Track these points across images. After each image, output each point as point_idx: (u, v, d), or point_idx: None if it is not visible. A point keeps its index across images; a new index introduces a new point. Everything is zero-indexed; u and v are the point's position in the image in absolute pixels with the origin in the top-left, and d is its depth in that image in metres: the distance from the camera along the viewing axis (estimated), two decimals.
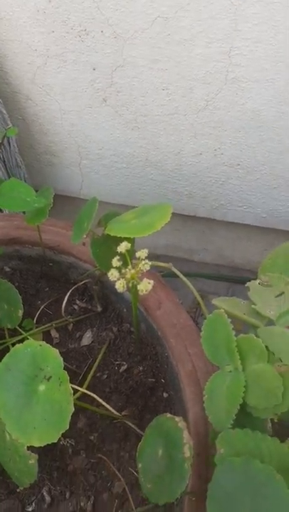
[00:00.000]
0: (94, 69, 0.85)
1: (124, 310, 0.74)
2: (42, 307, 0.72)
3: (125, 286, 0.43)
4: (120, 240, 0.49)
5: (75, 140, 1.01)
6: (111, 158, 1.03)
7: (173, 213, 1.16)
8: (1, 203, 0.51)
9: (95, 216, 0.54)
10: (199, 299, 0.60)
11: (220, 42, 0.75)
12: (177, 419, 0.44)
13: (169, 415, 0.46)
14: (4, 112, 0.92)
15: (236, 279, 1.27)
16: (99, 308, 0.75)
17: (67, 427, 0.48)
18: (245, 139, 0.90)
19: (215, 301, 0.46)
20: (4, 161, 0.96)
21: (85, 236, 0.71)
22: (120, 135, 0.97)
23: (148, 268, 0.44)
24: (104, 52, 0.82)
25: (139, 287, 0.42)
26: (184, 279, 0.59)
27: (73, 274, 0.74)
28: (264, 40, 0.74)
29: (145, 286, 0.42)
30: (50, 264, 0.74)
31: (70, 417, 0.48)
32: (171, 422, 0.44)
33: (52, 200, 0.57)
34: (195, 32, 0.75)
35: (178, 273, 0.59)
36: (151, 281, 0.42)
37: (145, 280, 0.42)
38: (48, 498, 0.59)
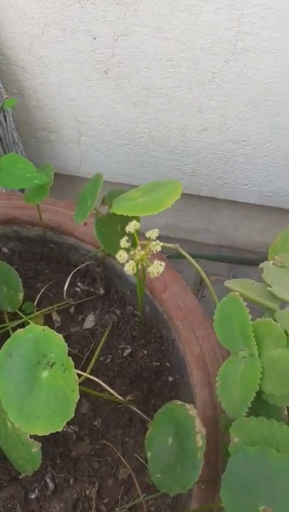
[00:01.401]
0: (94, 38, 0.81)
1: (128, 292, 0.72)
2: (42, 290, 0.70)
3: (135, 268, 0.40)
4: (126, 219, 0.46)
5: (74, 115, 0.97)
6: (111, 134, 0.99)
7: None
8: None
9: (99, 194, 0.50)
10: (207, 281, 0.57)
11: (229, 8, 0.71)
12: (188, 406, 0.42)
13: (179, 402, 0.43)
14: (0, 86, 0.87)
15: (237, 259, 1.24)
16: (101, 291, 0.72)
17: (73, 415, 0.46)
18: (253, 113, 0.86)
19: (228, 284, 0.43)
20: (0, 138, 0.92)
21: (88, 216, 0.69)
22: (121, 110, 0.93)
23: (159, 249, 0.41)
24: (106, 20, 0.77)
25: (149, 269, 0.39)
26: (192, 261, 0.56)
27: (75, 255, 0.71)
28: (276, 7, 0.69)
29: (156, 268, 0.39)
30: (51, 245, 0.71)
31: (75, 405, 0.45)
32: (182, 409, 0.42)
33: (52, 177, 0.54)
34: None
35: (185, 254, 0.57)
36: (163, 263, 0.40)
37: (156, 262, 0.39)
38: (51, 485, 0.58)
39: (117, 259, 0.67)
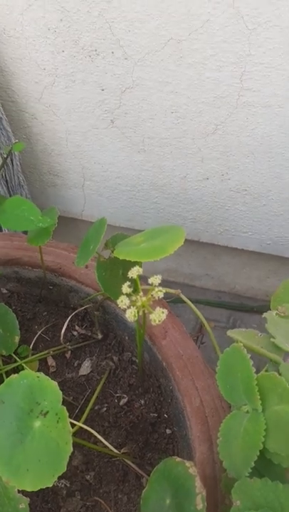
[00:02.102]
0: (102, 90, 0.84)
1: (126, 338, 0.70)
2: (39, 333, 0.68)
3: (137, 315, 0.39)
4: (128, 263, 0.46)
5: (79, 161, 0.99)
6: (115, 180, 1.01)
7: None
8: (3, 221, 0.48)
9: (102, 238, 0.50)
10: (209, 328, 0.56)
11: (232, 66, 0.74)
12: (188, 463, 0.40)
13: (178, 459, 0.41)
14: (9, 130, 0.90)
15: (237, 306, 1.23)
16: (99, 336, 0.71)
17: (65, 469, 0.43)
18: (254, 164, 0.88)
19: (230, 333, 0.42)
20: (6, 180, 0.93)
21: (89, 259, 0.68)
22: (126, 157, 0.96)
23: (161, 296, 0.40)
24: (114, 73, 0.81)
25: (151, 317, 0.38)
26: (194, 307, 0.55)
27: (74, 298, 0.71)
28: (277, 66, 0.73)
29: (158, 316, 0.38)
30: (50, 287, 0.70)
31: (67, 459, 0.43)
32: (181, 466, 0.40)
33: (56, 221, 0.54)
34: (207, 55, 0.74)
35: (187, 301, 0.56)
36: (165, 311, 0.39)
37: (158, 309, 0.38)
38: None
39: (116, 303, 0.67)
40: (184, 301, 0.56)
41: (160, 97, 0.82)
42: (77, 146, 0.96)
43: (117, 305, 0.67)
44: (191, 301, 0.55)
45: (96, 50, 0.78)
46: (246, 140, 0.84)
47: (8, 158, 0.92)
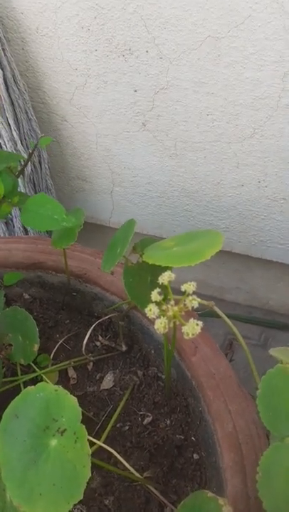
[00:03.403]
0: (135, 91, 0.81)
1: (152, 351, 0.65)
2: (60, 342, 0.64)
3: (166, 326, 0.35)
4: (158, 269, 0.41)
5: (109, 166, 0.97)
6: (145, 186, 0.97)
7: None
8: (25, 220, 0.45)
9: (130, 241, 0.46)
10: (244, 345, 0.51)
11: (274, 65, 0.70)
12: (221, 501, 0.35)
13: (210, 494, 0.36)
14: (38, 131, 0.88)
15: (270, 323, 1.16)
16: (123, 348, 0.66)
17: (81, 497, 0.39)
18: None
19: (273, 352, 0.37)
20: (34, 184, 0.91)
21: (116, 263, 0.64)
22: (157, 162, 0.92)
23: (196, 305, 0.35)
24: (148, 74, 0.78)
25: (184, 329, 0.34)
26: (228, 321, 0.50)
27: (98, 306, 0.67)
28: None
29: (192, 328, 0.33)
30: (74, 293, 0.66)
31: (85, 484, 0.39)
32: (214, 503, 0.35)
33: (82, 222, 0.51)
34: (247, 53, 0.70)
35: (221, 313, 0.51)
36: (200, 323, 0.34)
37: (192, 321, 0.34)
38: None
39: (143, 313, 0.62)
40: (213, 315, 0.51)
41: (195, 99, 0.79)
42: (108, 150, 0.93)
43: (144, 315, 0.62)
44: (220, 316, 0.50)
45: (130, 49, 0.75)
46: (286, 145, 0.79)
47: (37, 161, 0.89)
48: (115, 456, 0.53)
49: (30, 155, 0.50)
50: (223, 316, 0.51)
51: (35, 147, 0.50)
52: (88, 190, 1.04)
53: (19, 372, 0.59)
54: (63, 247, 0.51)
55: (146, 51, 0.75)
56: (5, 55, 0.73)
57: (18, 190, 0.60)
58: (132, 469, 0.54)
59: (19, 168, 0.50)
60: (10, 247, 0.66)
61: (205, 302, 0.49)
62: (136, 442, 0.60)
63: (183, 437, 0.59)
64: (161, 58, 0.75)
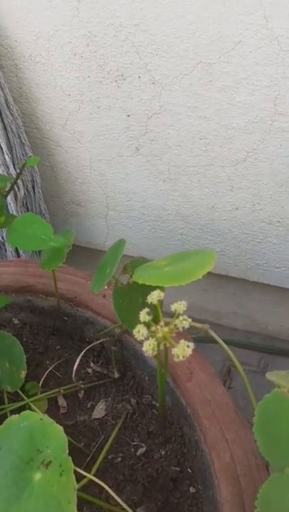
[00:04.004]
0: (128, 116, 0.82)
1: (146, 378, 0.63)
2: (50, 368, 0.62)
3: (156, 348, 0.33)
4: (149, 290, 0.40)
5: (103, 190, 0.96)
6: (139, 210, 0.97)
7: None
8: (12, 240, 0.44)
9: (120, 261, 0.45)
10: (241, 371, 0.49)
11: (265, 89, 0.70)
12: None
13: None
14: (32, 156, 0.88)
15: (269, 348, 1.14)
16: (116, 374, 0.64)
17: None
18: (288, 194, 0.82)
19: (270, 376, 0.35)
20: (27, 208, 0.91)
21: (106, 287, 0.63)
22: (151, 186, 0.92)
23: (187, 326, 0.34)
24: (141, 99, 0.78)
25: (174, 351, 0.32)
26: (224, 345, 0.48)
27: (89, 331, 0.65)
28: None
29: (182, 350, 0.31)
30: (65, 318, 0.64)
31: None
32: None
33: (71, 242, 0.50)
34: (239, 78, 0.71)
35: (216, 337, 0.49)
36: (191, 344, 0.32)
37: (183, 342, 0.32)
38: None
39: (135, 339, 0.60)
40: (210, 341, 0.49)
41: (188, 123, 0.79)
42: (101, 175, 0.93)
43: (137, 340, 0.60)
44: (218, 341, 0.49)
45: (122, 75, 0.76)
46: (280, 168, 0.79)
47: (30, 186, 0.89)
48: (107, 491, 0.50)
49: (18, 174, 0.50)
50: (219, 340, 0.49)
51: (24, 166, 0.49)
52: (82, 215, 1.03)
53: (6, 401, 0.56)
54: (52, 268, 0.50)
55: (139, 77, 0.76)
56: None
57: (12, 214, 0.59)
58: (124, 505, 0.50)
59: (7, 189, 0.49)
60: None
61: (199, 325, 0.48)
62: (129, 475, 0.57)
63: (178, 469, 0.56)
64: (153, 83, 0.76)
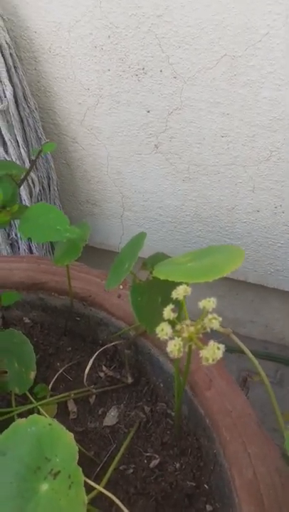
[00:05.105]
0: (148, 111, 0.79)
1: (161, 385, 0.59)
2: (61, 371, 0.59)
3: (181, 349, 0.29)
4: (170, 288, 0.36)
5: (119, 189, 0.94)
6: (156, 211, 0.94)
7: None
8: (24, 230, 0.41)
9: (138, 256, 0.42)
10: (266, 380, 0.45)
11: None
12: None
13: None
14: (48, 152, 0.85)
15: (286, 360, 1.09)
16: (129, 380, 0.60)
17: None
18: None
19: None
20: None
21: (121, 287, 0.60)
22: (169, 186, 0.89)
23: (217, 326, 0.30)
24: (161, 94, 0.76)
25: (203, 354, 0.28)
26: (248, 352, 0.44)
27: (103, 332, 0.61)
28: None
29: (213, 352, 0.28)
30: (78, 318, 0.61)
31: None
32: None
33: (88, 236, 0.47)
34: (265, 72, 0.68)
35: (238, 341, 0.45)
36: (221, 346, 0.29)
37: (212, 344, 0.29)
38: None
39: (152, 341, 0.57)
40: (225, 349, 0.45)
41: (210, 120, 0.76)
42: (118, 173, 0.90)
43: (154, 343, 0.57)
44: (233, 350, 0.45)
45: (144, 69, 0.74)
46: None
47: (46, 183, 0.87)
48: (117, 504, 0.47)
49: (33, 162, 0.47)
50: (243, 346, 0.45)
51: (39, 154, 0.46)
52: (98, 215, 1.00)
53: (14, 403, 0.53)
54: (66, 263, 0.47)
55: (160, 70, 0.73)
56: (16, 72, 0.71)
57: (25, 205, 0.57)
58: None
59: (22, 178, 0.47)
60: (11, 267, 0.62)
61: (221, 329, 0.44)
62: (141, 488, 0.53)
63: (194, 484, 0.52)
64: (175, 78, 0.73)
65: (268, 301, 1.03)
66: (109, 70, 0.76)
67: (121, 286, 0.58)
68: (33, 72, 0.80)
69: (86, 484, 0.45)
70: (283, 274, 0.93)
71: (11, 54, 0.71)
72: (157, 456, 0.55)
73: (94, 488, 0.45)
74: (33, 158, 0.44)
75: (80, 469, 0.35)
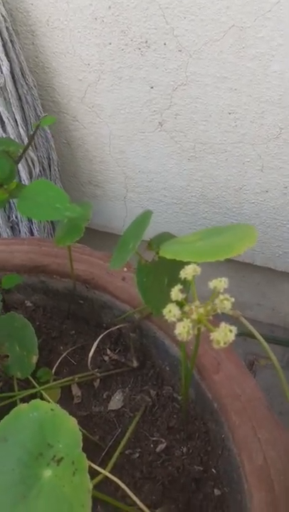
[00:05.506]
0: (152, 87, 0.76)
1: (167, 368, 0.58)
2: (64, 354, 0.57)
3: (190, 331, 0.28)
4: (177, 269, 0.34)
5: (122, 170, 0.91)
6: (161, 192, 0.91)
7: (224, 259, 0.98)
8: (22, 208, 0.39)
9: (144, 236, 0.40)
10: (277, 364, 0.43)
11: None
12: None
13: None
14: (48, 131, 0.83)
15: None
16: (135, 363, 0.59)
17: None
18: None
19: None
20: None
21: (125, 269, 0.58)
22: (174, 166, 0.86)
23: (229, 307, 0.29)
24: (166, 68, 0.73)
25: (215, 336, 0.26)
26: (258, 335, 0.43)
27: (107, 316, 0.60)
28: None
29: (225, 335, 0.26)
30: (81, 301, 0.60)
31: None
32: None
33: (90, 216, 0.45)
34: (275, 44, 0.64)
35: (249, 326, 0.44)
36: (233, 328, 0.27)
37: (224, 326, 0.27)
38: None
39: (157, 324, 0.55)
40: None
41: (216, 96, 0.73)
42: (121, 153, 0.88)
43: (159, 326, 0.55)
44: (240, 333, 0.43)
45: (146, 42, 0.70)
46: None
47: (46, 163, 0.84)
48: (123, 489, 0.46)
49: (31, 136, 0.45)
50: (253, 329, 0.43)
51: (37, 128, 0.44)
52: (100, 197, 0.98)
53: (16, 388, 0.52)
54: (67, 243, 0.45)
55: (164, 43, 0.70)
56: (13, 47, 0.68)
57: (23, 184, 0.54)
58: (142, 505, 0.46)
59: (19, 155, 0.45)
60: (12, 249, 0.60)
61: (230, 312, 0.42)
62: (147, 473, 0.52)
63: (202, 469, 0.51)
64: (180, 51, 0.70)
65: (275, 284, 1.01)
66: (110, 43, 0.72)
67: (125, 269, 0.56)
68: (31, 46, 0.77)
69: (91, 469, 0.44)
70: None
71: (6, 27, 0.68)
72: (164, 441, 0.54)
73: (99, 473, 0.44)
74: (31, 133, 0.42)
75: (85, 455, 0.34)
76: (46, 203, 0.39)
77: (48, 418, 0.35)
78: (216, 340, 0.27)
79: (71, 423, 0.34)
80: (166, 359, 0.57)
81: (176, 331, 0.28)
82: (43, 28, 0.73)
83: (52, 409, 0.34)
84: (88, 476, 0.33)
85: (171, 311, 0.28)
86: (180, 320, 0.28)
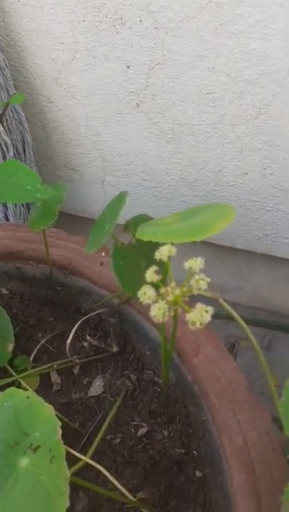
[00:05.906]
0: (128, 67, 0.74)
1: (148, 352, 0.58)
2: (42, 342, 0.56)
3: (167, 313, 0.27)
4: (154, 249, 0.33)
5: (100, 153, 0.89)
6: (140, 175, 0.90)
7: (205, 242, 0.98)
8: None
9: (120, 217, 0.39)
10: (257, 345, 0.43)
11: (283, 34, 0.63)
12: None
13: None
14: (22, 114, 0.80)
15: (274, 324, 1.09)
16: (115, 349, 0.58)
17: None
18: None
19: None
20: None
21: (103, 254, 0.57)
22: (152, 148, 0.85)
23: (205, 287, 0.28)
24: (142, 47, 0.71)
25: (190, 317, 0.26)
26: (238, 317, 0.42)
27: (85, 302, 0.59)
28: None
29: (200, 316, 0.26)
30: (58, 287, 0.58)
31: None
32: None
33: (64, 198, 0.43)
34: (253, 21, 0.63)
35: (228, 307, 0.43)
36: (209, 309, 0.27)
37: (200, 306, 0.26)
38: None
39: (136, 308, 0.55)
40: (212, 315, 0.43)
41: (194, 75, 0.71)
42: (98, 135, 0.86)
43: (138, 311, 0.54)
44: (220, 316, 0.43)
45: (122, 19, 0.68)
46: None
47: (20, 146, 0.82)
48: (104, 475, 0.45)
49: (1, 115, 0.43)
50: (233, 311, 0.43)
51: (7, 106, 0.42)
52: (78, 181, 0.96)
53: None
54: (41, 227, 0.43)
55: (140, 20, 0.68)
56: None
57: None
58: (123, 490, 0.46)
59: None
60: None
61: (209, 294, 0.42)
62: (128, 457, 0.52)
63: (183, 451, 0.51)
64: (156, 28, 0.68)
65: (256, 267, 1.01)
66: (84, 20, 0.70)
67: (103, 254, 0.55)
68: (1, 24, 0.73)
69: (72, 455, 0.43)
70: (272, 238, 0.91)
71: None
72: (145, 425, 0.53)
73: (80, 459, 0.44)
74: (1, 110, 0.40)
75: (62, 443, 0.33)
76: (17, 185, 0.37)
77: (24, 406, 0.34)
78: (192, 320, 0.26)
79: (47, 410, 0.33)
80: (146, 343, 0.56)
81: (152, 313, 0.27)
82: (14, 5, 0.70)
83: (28, 397, 0.33)
84: (65, 464, 0.32)
85: (146, 293, 0.28)
86: (155, 302, 0.27)
